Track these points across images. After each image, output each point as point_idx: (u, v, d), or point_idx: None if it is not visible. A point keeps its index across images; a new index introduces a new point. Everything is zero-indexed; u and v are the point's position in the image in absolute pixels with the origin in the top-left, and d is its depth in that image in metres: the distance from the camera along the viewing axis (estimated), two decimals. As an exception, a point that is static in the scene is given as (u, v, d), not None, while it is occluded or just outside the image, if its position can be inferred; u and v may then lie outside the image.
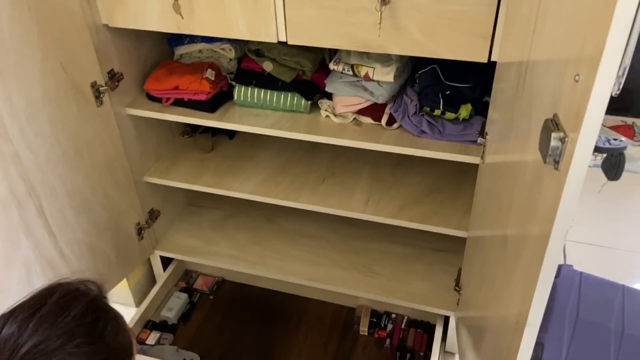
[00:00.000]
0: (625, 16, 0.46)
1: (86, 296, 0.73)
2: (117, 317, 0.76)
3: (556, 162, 0.58)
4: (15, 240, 1.15)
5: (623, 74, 0.54)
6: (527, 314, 0.68)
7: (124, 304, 1.76)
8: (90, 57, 1.26)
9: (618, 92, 0.54)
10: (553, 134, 0.57)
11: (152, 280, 1.80)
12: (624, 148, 1.10)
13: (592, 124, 0.52)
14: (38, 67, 1.12)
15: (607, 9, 0.48)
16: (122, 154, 1.43)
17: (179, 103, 1.41)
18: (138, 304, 1.75)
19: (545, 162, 0.60)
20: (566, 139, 0.56)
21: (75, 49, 1.21)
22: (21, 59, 1.08)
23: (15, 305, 0.71)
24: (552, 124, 0.59)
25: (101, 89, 1.30)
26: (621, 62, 0.50)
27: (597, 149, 1.11)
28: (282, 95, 1.37)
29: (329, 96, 1.37)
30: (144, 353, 1.44)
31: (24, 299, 0.72)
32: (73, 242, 1.31)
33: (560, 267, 1.37)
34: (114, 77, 1.35)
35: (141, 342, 1.58)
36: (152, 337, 1.60)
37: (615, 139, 1.10)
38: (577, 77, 0.54)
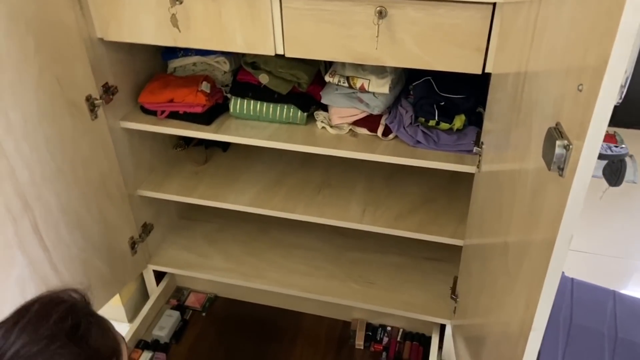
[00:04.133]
0: (630, 27, 0.47)
1: (66, 303, 0.76)
2: (100, 321, 0.79)
3: (560, 169, 0.60)
4: (11, 257, 1.13)
5: (625, 83, 0.56)
6: (532, 319, 0.69)
7: (117, 320, 1.73)
8: (85, 71, 1.25)
9: (620, 100, 0.56)
10: (557, 142, 0.59)
11: (145, 296, 1.78)
12: (626, 154, 1.14)
13: (596, 132, 0.54)
14: (34, 82, 1.11)
15: (610, 21, 0.49)
16: (116, 168, 1.42)
17: (174, 116, 1.41)
18: (131, 319, 1.72)
19: (549, 169, 0.61)
20: (570, 147, 0.58)
21: (70, 63, 1.21)
22: (17, 74, 1.07)
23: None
24: (555, 132, 0.61)
25: (96, 102, 1.29)
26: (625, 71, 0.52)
27: (600, 156, 1.15)
28: (278, 107, 1.38)
29: (325, 108, 1.38)
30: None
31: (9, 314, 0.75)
32: (67, 258, 1.29)
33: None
34: (108, 91, 1.34)
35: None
36: (144, 357, 1.57)
37: (616, 146, 1.14)
38: (580, 87, 0.56)
